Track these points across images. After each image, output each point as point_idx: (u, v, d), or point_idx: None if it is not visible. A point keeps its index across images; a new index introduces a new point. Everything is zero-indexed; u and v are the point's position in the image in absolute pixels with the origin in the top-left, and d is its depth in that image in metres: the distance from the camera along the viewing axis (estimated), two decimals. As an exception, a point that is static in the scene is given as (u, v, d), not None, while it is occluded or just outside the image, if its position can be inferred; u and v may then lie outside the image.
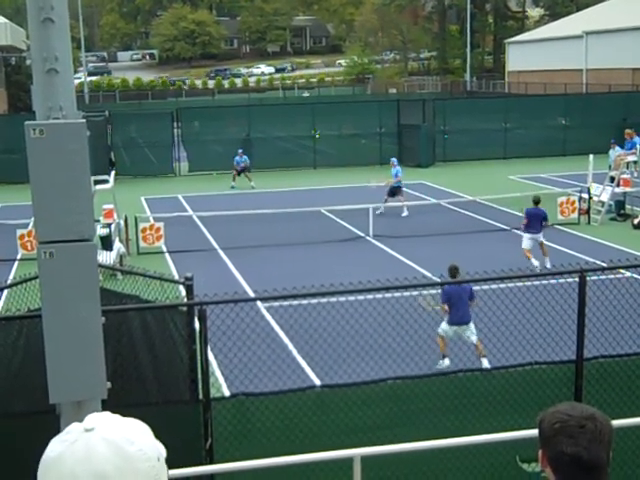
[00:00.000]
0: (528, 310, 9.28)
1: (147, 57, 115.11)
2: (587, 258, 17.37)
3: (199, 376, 6.47)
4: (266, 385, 8.34)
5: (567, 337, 8.11)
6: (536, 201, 17.69)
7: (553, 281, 10.44)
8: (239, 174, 30.50)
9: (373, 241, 20.68)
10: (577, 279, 6.90)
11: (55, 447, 1.81)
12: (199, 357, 6.40)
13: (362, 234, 21.17)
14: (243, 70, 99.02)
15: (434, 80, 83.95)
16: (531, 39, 70.70)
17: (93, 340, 4.85)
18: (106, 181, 19.39)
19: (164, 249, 19.96)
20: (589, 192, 22.54)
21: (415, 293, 12.16)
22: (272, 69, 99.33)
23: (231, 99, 64.10)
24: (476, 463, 6.62)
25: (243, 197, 28.02)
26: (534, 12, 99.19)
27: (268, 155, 34.26)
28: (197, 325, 6.38)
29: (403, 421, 6.71)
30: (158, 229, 20.12)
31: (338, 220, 22.85)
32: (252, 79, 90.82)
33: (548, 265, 16.80)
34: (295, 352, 12.45)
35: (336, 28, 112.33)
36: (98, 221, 17.37)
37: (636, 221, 21.57)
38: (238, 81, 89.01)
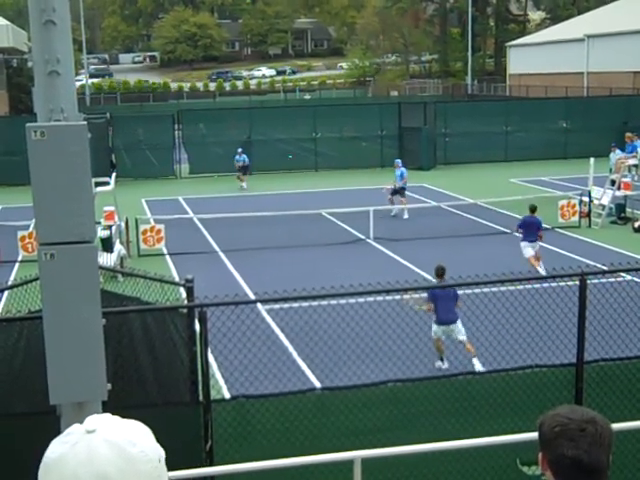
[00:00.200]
0: (529, 313, 9.28)
1: (148, 59, 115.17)
2: (588, 261, 17.36)
3: (199, 378, 6.47)
4: (266, 387, 8.35)
5: (567, 340, 8.11)
6: (532, 209, 17.60)
7: (554, 284, 10.43)
8: (243, 173, 30.67)
9: (374, 244, 20.68)
10: (578, 282, 6.90)
11: (56, 448, 1.81)
12: (199, 359, 6.40)
13: (363, 237, 21.17)
14: (244, 73, 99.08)
15: (435, 83, 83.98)
16: (532, 42, 70.74)
17: (94, 342, 4.85)
18: (107, 183, 19.40)
19: (165, 251, 19.96)
20: (590, 195, 22.54)
21: (416, 296, 12.14)
22: (273, 71, 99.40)
23: (232, 101, 64.11)
24: (476, 466, 6.62)
25: (244, 199, 28.03)
26: (535, 15, 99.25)
27: (269, 157, 34.29)
28: (197, 327, 6.38)
29: (403, 423, 6.71)
30: (159, 231, 20.13)
31: (339, 223, 22.86)
32: (253, 82, 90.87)
33: (542, 271, 16.72)
34: (295, 354, 12.45)
35: (337, 31, 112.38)
36: (99, 223, 17.38)
37: (637, 224, 21.57)
38: (239, 84, 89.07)
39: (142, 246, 19.92)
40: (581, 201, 22.32)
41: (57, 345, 4.81)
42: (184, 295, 6.71)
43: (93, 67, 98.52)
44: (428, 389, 6.76)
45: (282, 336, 13.24)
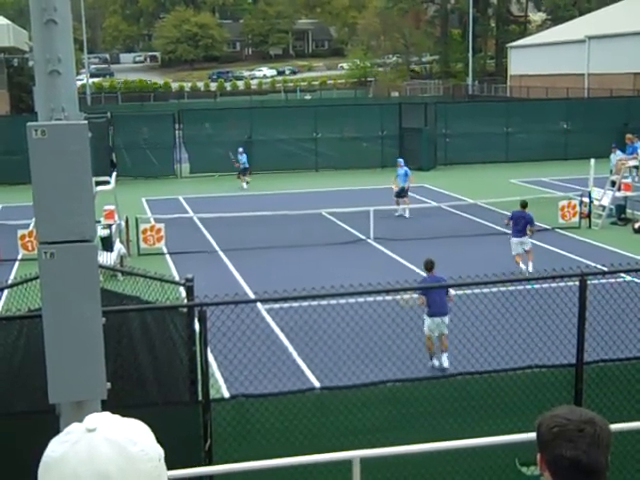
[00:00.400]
0: (528, 313, 9.28)
1: (149, 59, 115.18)
2: (588, 262, 17.36)
3: (199, 377, 6.47)
4: (266, 387, 8.35)
5: (567, 341, 8.11)
6: (523, 205, 17.69)
7: (554, 284, 10.44)
8: (244, 174, 30.74)
9: (374, 244, 20.69)
10: (578, 283, 6.90)
11: (57, 447, 1.80)
12: (199, 358, 6.41)
13: (363, 237, 21.18)
14: (245, 73, 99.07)
15: (436, 84, 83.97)
16: (533, 43, 70.73)
17: (93, 341, 4.85)
18: (107, 182, 19.41)
19: (165, 250, 19.97)
20: (590, 196, 22.54)
21: (411, 296, 12.15)
22: (274, 72, 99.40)
23: (233, 101, 64.12)
24: (475, 466, 6.62)
25: (244, 199, 28.04)
26: (536, 16, 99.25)
27: (270, 157, 34.30)
28: (197, 326, 6.38)
29: (402, 423, 6.71)
30: (159, 230, 20.14)
31: (339, 223, 22.87)
32: (254, 82, 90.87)
33: (530, 269, 16.79)
34: (295, 354, 12.46)
35: (339, 31, 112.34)
36: (99, 222, 17.40)
37: (637, 225, 21.57)
38: (240, 84, 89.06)
39: (142, 245, 19.93)
40: (581, 202, 22.33)
41: (57, 344, 4.82)
42: (184, 294, 6.71)
43: (94, 67, 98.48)
44: (427, 389, 6.76)
45: (282, 335, 13.25)
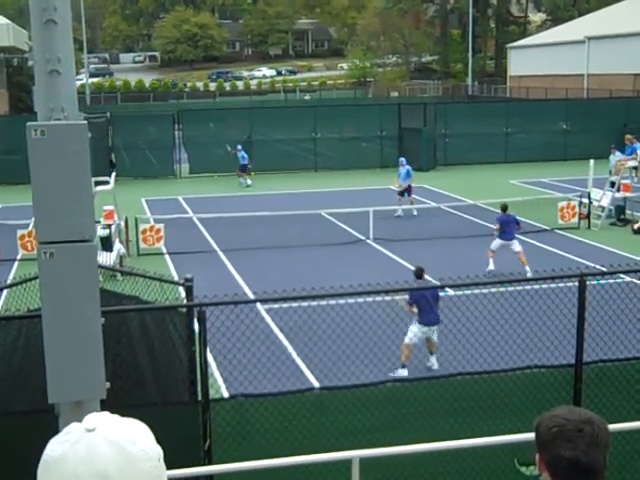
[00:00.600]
0: (528, 314, 9.28)
1: (148, 59, 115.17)
2: (587, 262, 17.36)
3: (198, 377, 6.47)
4: (265, 387, 8.35)
5: (567, 341, 8.11)
6: (504, 208, 17.82)
7: (553, 285, 10.44)
8: (243, 171, 30.92)
9: (373, 244, 20.69)
10: (577, 283, 6.91)
11: (56, 447, 1.80)
12: (198, 358, 6.41)
13: (362, 237, 21.18)
14: (245, 73, 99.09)
15: (436, 84, 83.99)
16: (533, 44, 70.74)
17: (92, 340, 4.85)
18: (107, 182, 19.41)
19: (164, 250, 19.97)
20: (589, 197, 22.55)
21: (403, 297, 12.15)
22: (274, 72, 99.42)
23: (232, 102, 64.12)
24: (474, 466, 6.63)
25: (244, 199, 28.04)
26: (536, 17, 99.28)
27: (269, 158, 34.31)
28: (196, 326, 6.38)
29: (402, 423, 6.71)
30: (158, 230, 20.14)
31: (338, 223, 22.87)
32: (253, 82, 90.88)
33: (529, 274, 16.79)
34: (294, 354, 12.46)
35: (338, 31, 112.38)
36: (98, 222, 17.39)
37: (636, 226, 21.58)
38: (240, 84, 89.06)
39: (141, 245, 19.93)
40: (581, 203, 22.34)
41: (56, 344, 4.82)
42: (183, 294, 6.71)
43: (93, 66, 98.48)
44: (426, 389, 6.76)
45: (281, 336, 13.25)
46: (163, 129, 34.59)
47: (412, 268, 17.74)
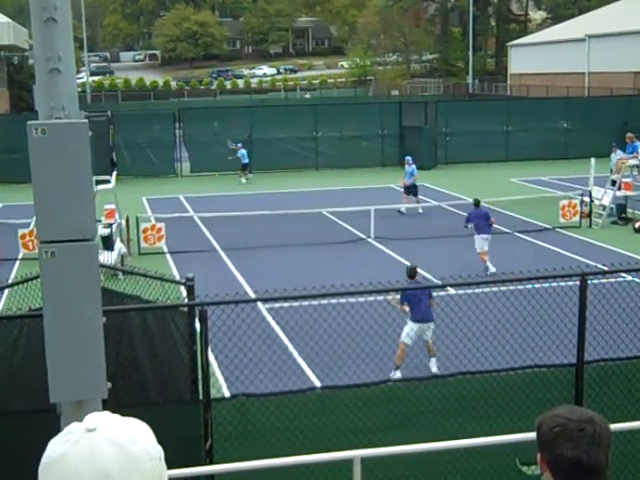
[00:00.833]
0: (529, 313, 9.28)
1: (149, 58, 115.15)
2: (588, 261, 17.36)
3: (199, 376, 6.47)
4: (266, 386, 8.35)
5: (568, 340, 8.11)
6: (476, 203, 17.95)
7: (554, 284, 10.43)
8: (243, 169, 31.07)
9: (374, 243, 20.68)
10: (578, 282, 6.90)
11: (57, 447, 1.80)
12: (200, 358, 6.41)
13: (363, 236, 21.17)
14: (245, 71, 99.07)
15: (436, 82, 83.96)
16: (533, 42, 70.72)
17: (94, 340, 4.85)
18: (107, 181, 19.40)
19: (165, 249, 19.97)
20: (590, 195, 22.54)
21: (398, 296, 12.13)
22: (274, 70, 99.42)
23: (233, 100, 64.09)
24: (476, 465, 6.62)
25: (244, 198, 28.04)
26: (536, 15, 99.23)
27: (270, 156, 34.31)
28: (198, 326, 6.38)
29: (403, 423, 6.71)
30: (159, 229, 20.13)
31: (339, 222, 22.86)
32: (254, 80, 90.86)
33: (491, 271, 16.96)
34: (295, 353, 12.46)
35: (339, 30, 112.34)
36: (99, 221, 17.39)
37: (637, 225, 21.57)
38: (240, 82, 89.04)
39: (143, 244, 19.92)
40: (582, 201, 22.32)
41: (57, 343, 4.81)
42: (184, 294, 6.71)
43: (94, 65, 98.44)
44: (428, 389, 6.76)
45: (282, 335, 13.25)
46: (164, 127, 34.59)
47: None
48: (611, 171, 25.34)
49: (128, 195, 25.05)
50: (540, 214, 22.52)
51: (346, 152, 35.24)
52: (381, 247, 20.23)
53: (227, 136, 34.51)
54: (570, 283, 7.87)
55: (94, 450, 1.76)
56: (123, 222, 19.69)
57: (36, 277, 6.06)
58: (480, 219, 17.41)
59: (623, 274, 13.49)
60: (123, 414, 1.89)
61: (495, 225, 22.02)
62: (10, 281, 7.74)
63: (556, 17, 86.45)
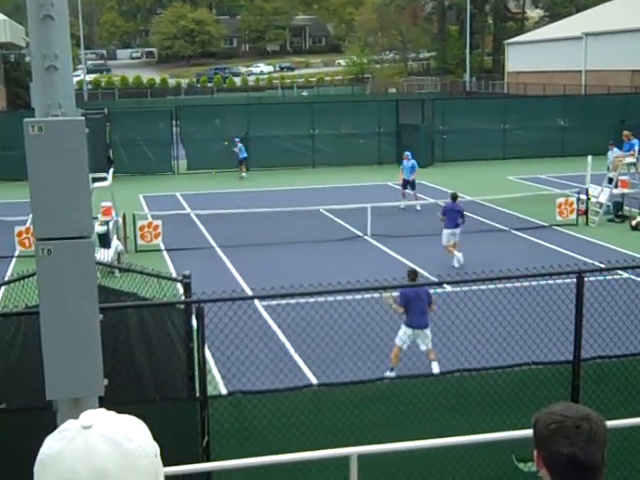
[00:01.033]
0: (526, 310, 9.30)
1: (145, 55, 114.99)
2: (585, 259, 17.38)
3: (196, 374, 6.47)
4: (263, 383, 8.36)
5: (564, 338, 8.12)
6: (454, 197, 18.19)
7: (551, 282, 10.45)
8: (241, 163, 31.34)
9: (371, 240, 20.69)
10: (575, 280, 6.91)
11: (53, 444, 1.79)
12: (196, 355, 6.41)
13: (360, 233, 21.18)
14: (242, 69, 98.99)
15: (433, 80, 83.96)
16: (530, 40, 70.74)
17: (90, 337, 4.85)
18: (104, 179, 19.39)
19: (162, 247, 19.96)
20: (587, 193, 22.57)
21: (395, 294, 12.11)
22: (271, 68, 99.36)
23: (230, 98, 64.05)
24: (472, 462, 6.63)
25: (241, 196, 28.02)
26: (533, 13, 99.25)
27: (267, 154, 34.31)
28: (195, 323, 6.38)
29: (400, 420, 6.71)
30: (156, 227, 20.11)
31: (336, 219, 22.86)
32: (251, 78, 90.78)
33: (459, 261, 17.42)
34: (292, 350, 12.46)
35: (336, 28, 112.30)
36: (96, 218, 17.37)
37: (634, 222, 21.60)
38: (237, 80, 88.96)
39: (139, 242, 19.91)
40: (579, 199, 22.35)
41: (54, 340, 4.81)
42: (181, 291, 6.71)
43: (91, 63, 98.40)
44: (425, 386, 6.76)
45: (279, 332, 13.25)
46: (161, 125, 34.57)
47: (410, 264, 17.80)
48: (608, 169, 25.36)
49: (125, 192, 25.03)
50: (537, 212, 22.55)
51: (343, 150, 35.25)
52: (378, 245, 20.24)
53: (224, 134, 34.54)
54: (567, 280, 7.88)
55: (90, 447, 1.76)
56: (120, 219, 19.68)
57: (32, 274, 6.06)
58: (453, 213, 17.70)
59: (620, 271, 13.51)
60: (119, 411, 1.89)
61: (492, 222, 22.12)
62: (6, 278, 7.73)
63: (553, 15, 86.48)
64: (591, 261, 16.46)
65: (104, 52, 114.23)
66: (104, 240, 17.77)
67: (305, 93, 73.89)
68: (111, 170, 21.93)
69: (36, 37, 4.80)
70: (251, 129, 35.25)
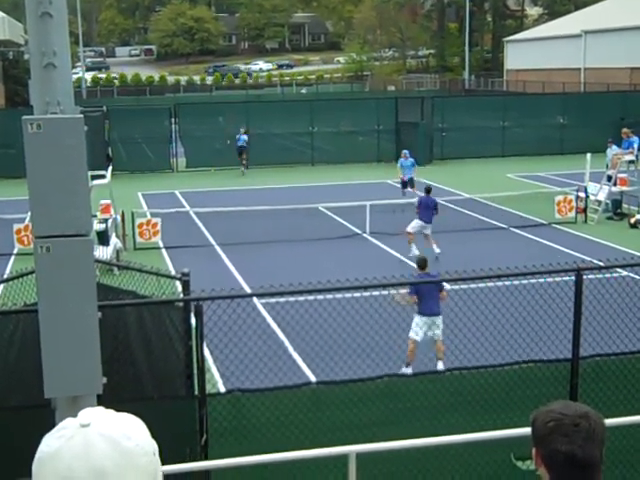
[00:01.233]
0: (524, 308, 9.29)
1: (144, 53, 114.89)
2: (584, 257, 17.38)
3: (195, 372, 6.47)
4: (262, 381, 8.35)
5: (563, 335, 8.12)
6: (428, 190, 18.60)
7: (550, 279, 10.44)
8: (240, 153, 31.54)
9: (370, 238, 20.69)
10: (574, 277, 6.91)
11: (51, 442, 1.79)
12: (195, 353, 6.40)
13: (359, 231, 21.18)
14: (241, 66, 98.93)
15: (432, 78, 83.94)
16: (529, 38, 70.73)
17: (89, 335, 4.85)
18: (103, 176, 19.38)
19: (161, 245, 19.95)
20: (586, 191, 22.57)
21: (402, 291, 12.12)
22: (270, 65, 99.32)
23: (229, 95, 64.00)
24: (471, 461, 6.63)
25: (240, 193, 28.01)
26: (533, 11, 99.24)
27: (266, 152, 34.29)
28: (193, 321, 6.38)
29: (399, 418, 6.71)
30: (155, 224, 20.10)
31: (335, 217, 22.86)
32: (250, 74, 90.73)
33: (438, 250, 17.83)
34: (291, 349, 12.46)
35: (335, 25, 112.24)
36: (95, 216, 17.36)
37: (633, 220, 21.60)
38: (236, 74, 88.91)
39: (138, 239, 19.90)
40: (577, 197, 22.35)
41: (53, 338, 4.81)
42: (180, 289, 6.70)
43: (90, 60, 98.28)
44: (423, 384, 6.76)
45: (278, 330, 13.25)
46: (160, 123, 34.54)
47: (409, 262, 17.79)
48: (607, 167, 25.36)
49: (123, 190, 25.01)
50: (536, 209, 22.55)
51: (342, 147, 35.23)
52: (377, 242, 20.24)
53: (223, 131, 34.53)
54: (566, 278, 7.88)
55: (88, 445, 1.76)
56: (118, 217, 19.67)
57: (31, 272, 6.05)
58: (425, 207, 18.12)
59: (618, 269, 13.50)
60: (118, 409, 1.88)
61: (490, 220, 22.12)
62: (5, 276, 7.73)
63: (552, 13, 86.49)
64: (590, 259, 16.47)
65: (103, 50, 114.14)
66: (103, 238, 17.76)
67: (304, 91, 73.84)
68: (110, 168, 21.92)
69: (35, 34, 4.80)
70: (250, 127, 35.19)
